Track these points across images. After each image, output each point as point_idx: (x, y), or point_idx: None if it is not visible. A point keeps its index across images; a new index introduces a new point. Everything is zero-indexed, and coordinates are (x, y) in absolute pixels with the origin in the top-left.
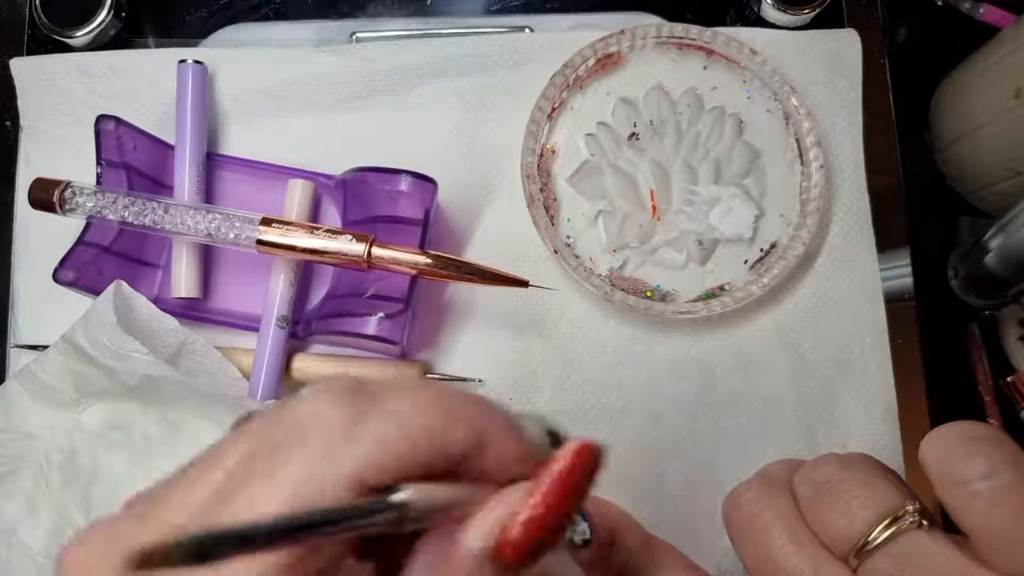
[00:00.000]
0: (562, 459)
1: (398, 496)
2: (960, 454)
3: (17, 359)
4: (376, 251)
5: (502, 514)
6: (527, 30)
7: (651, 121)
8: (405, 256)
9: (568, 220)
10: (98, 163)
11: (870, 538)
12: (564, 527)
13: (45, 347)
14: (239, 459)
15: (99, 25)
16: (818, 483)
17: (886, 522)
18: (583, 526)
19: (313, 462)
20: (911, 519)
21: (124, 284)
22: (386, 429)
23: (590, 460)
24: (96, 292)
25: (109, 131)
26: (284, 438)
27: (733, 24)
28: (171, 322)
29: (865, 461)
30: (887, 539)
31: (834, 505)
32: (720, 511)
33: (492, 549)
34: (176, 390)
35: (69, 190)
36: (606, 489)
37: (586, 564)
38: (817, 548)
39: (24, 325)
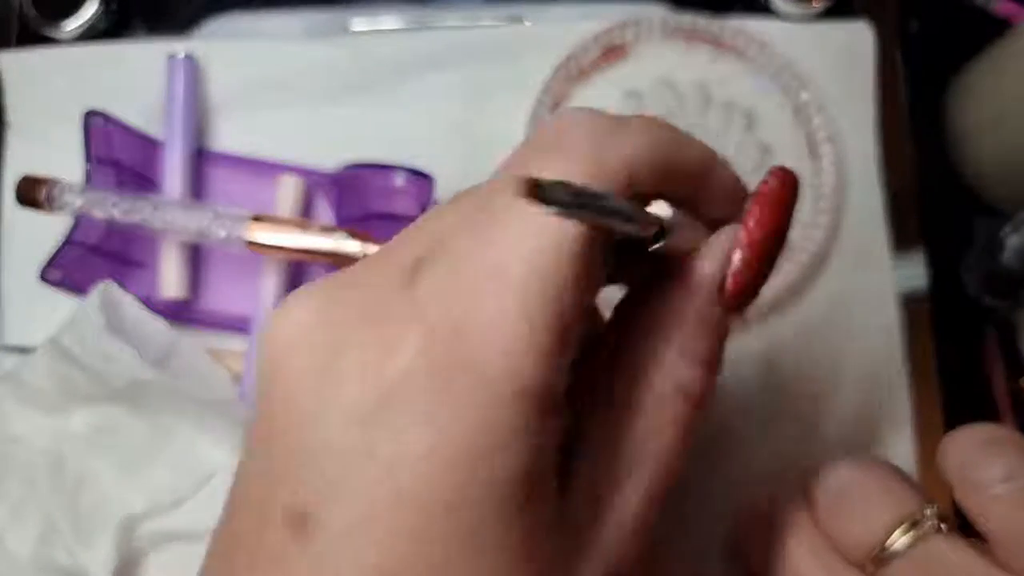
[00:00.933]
0: (770, 183)
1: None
2: (980, 457)
3: (3, 361)
4: (372, 249)
5: (726, 243)
6: (528, 21)
7: (657, 115)
8: None
9: None
10: (86, 160)
11: (887, 544)
12: (780, 248)
13: (32, 349)
14: (529, 144)
15: (88, 19)
16: (833, 489)
17: (904, 527)
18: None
19: (592, 145)
20: (930, 523)
21: (112, 285)
22: (644, 133)
23: (792, 183)
24: (84, 292)
25: (98, 127)
26: (563, 132)
27: (741, 15)
28: (160, 324)
29: (881, 466)
30: (906, 545)
31: (850, 511)
32: (728, 518)
33: (723, 280)
34: (165, 394)
35: (57, 187)
36: None
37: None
38: (833, 556)
39: (11, 325)
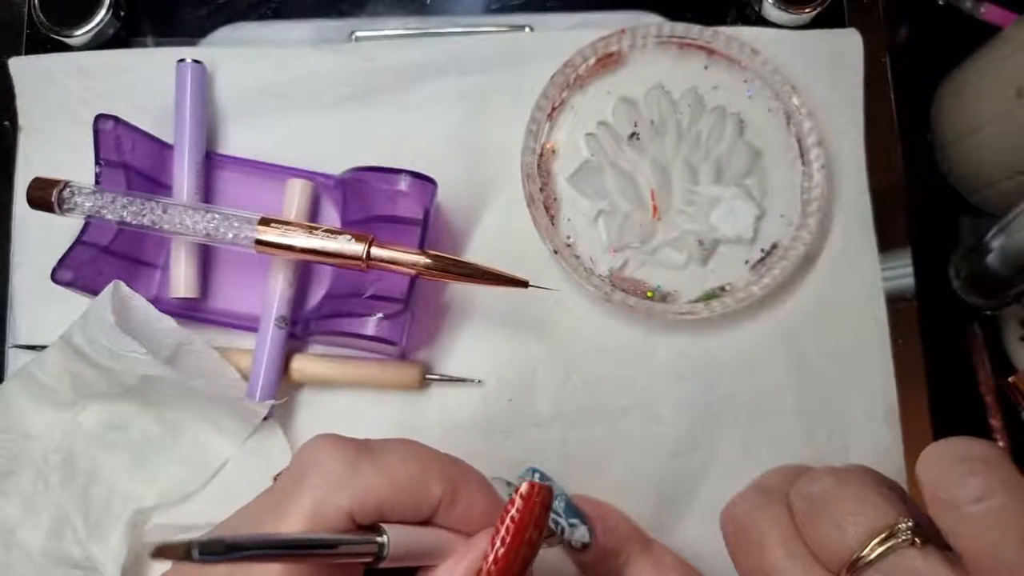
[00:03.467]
0: (514, 503)
1: (379, 534)
2: (954, 475)
3: (15, 359)
4: (375, 251)
5: (475, 558)
6: (527, 29)
7: (652, 121)
8: (404, 256)
9: (568, 220)
10: (97, 163)
11: (862, 554)
12: (530, 559)
13: (43, 347)
14: (272, 495)
15: (98, 24)
16: (812, 497)
17: (879, 539)
18: (582, 530)
19: (317, 499)
20: (904, 536)
21: (122, 284)
22: (374, 478)
23: (539, 500)
24: (95, 292)
25: (108, 130)
26: (299, 478)
27: (734, 23)
28: (169, 322)
29: (861, 475)
30: (879, 556)
31: (827, 520)
32: (717, 511)
33: None
34: (174, 391)
35: (68, 190)
36: (606, 490)
37: (587, 566)
38: (811, 562)
39: (22, 325)
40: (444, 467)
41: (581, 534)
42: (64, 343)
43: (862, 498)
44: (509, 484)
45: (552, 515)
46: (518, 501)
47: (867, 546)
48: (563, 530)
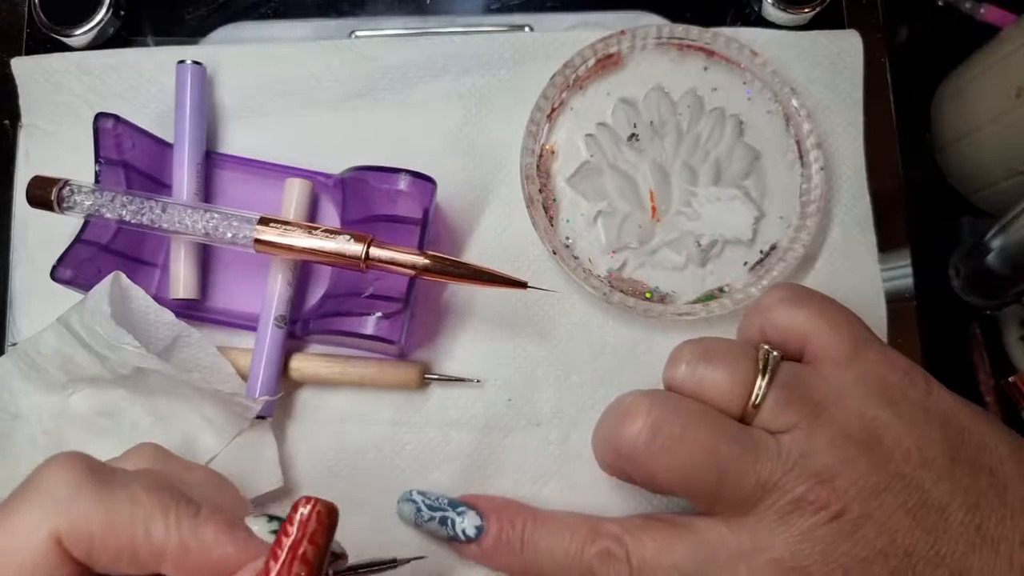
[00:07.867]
0: (289, 529)
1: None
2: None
3: None
4: (374, 251)
5: None
6: (527, 29)
7: (651, 122)
8: (403, 257)
9: (567, 221)
10: (96, 161)
11: (757, 387)
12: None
13: None
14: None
15: (98, 24)
16: (694, 365)
17: (760, 369)
18: (471, 515)
19: (25, 515)
20: (775, 355)
21: (123, 275)
22: (93, 506)
23: (315, 514)
24: None
25: (108, 129)
26: (21, 493)
27: (733, 23)
28: (167, 315)
29: (713, 338)
30: (768, 381)
31: (716, 373)
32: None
33: None
34: (167, 383)
35: (67, 188)
36: (606, 490)
37: (489, 554)
38: (729, 422)
39: (22, 323)
40: (175, 508)
41: (472, 519)
42: (61, 325)
43: (730, 347)
44: (272, 519)
45: (440, 513)
46: (293, 529)
47: (768, 367)
48: (453, 522)
